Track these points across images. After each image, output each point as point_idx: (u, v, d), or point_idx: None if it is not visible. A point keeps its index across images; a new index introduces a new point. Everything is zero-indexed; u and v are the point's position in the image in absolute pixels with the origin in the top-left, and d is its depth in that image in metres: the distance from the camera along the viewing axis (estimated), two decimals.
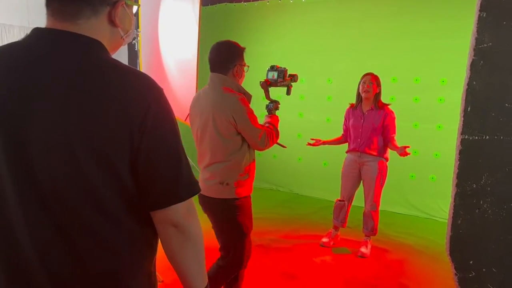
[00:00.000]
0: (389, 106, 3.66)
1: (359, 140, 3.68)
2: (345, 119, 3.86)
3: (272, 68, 2.54)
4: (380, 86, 3.64)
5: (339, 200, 3.90)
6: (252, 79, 5.93)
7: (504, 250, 1.57)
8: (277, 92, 2.75)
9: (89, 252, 0.93)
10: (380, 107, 3.63)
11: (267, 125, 2.40)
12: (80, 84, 0.88)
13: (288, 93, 2.60)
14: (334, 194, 3.98)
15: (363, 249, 3.76)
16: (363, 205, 3.81)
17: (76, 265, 0.92)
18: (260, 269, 3.34)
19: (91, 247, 0.93)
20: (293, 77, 2.58)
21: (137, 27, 4.83)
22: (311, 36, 5.45)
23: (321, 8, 5.42)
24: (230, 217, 2.28)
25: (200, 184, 2.19)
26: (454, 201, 1.54)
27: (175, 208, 0.97)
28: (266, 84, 2.52)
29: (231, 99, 2.19)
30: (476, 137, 1.49)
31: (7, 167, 0.89)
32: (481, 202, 1.53)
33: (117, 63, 0.96)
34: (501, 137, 1.48)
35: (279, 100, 2.57)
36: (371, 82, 3.59)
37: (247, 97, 2.27)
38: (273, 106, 2.52)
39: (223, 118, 2.17)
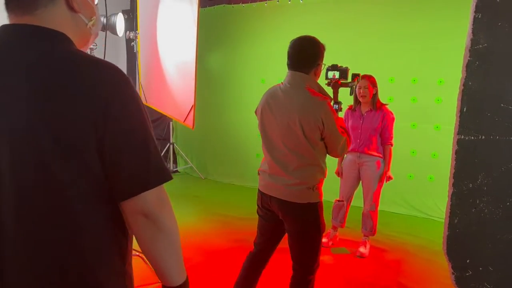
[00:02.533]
0: (387, 106, 3.68)
1: (358, 140, 3.70)
2: (344, 120, 3.88)
3: (333, 67, 2.44)
4: (376, 87, 3.65)
5: (338, 201, 3.91)
6: (251, 79, 5.96)
7: (500, 249, 1.58)
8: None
9: (54, 246, 0.91)
10: (379, 107, 3.65)
11: (341, 129, 2.27)
12: (40, 76, 0.88)
13: (351, 93, 2.54)
14: (332, 195, 3.99)
15: (361, 249, 3.77)
16: (362, 205, 3.82)
17: (39, 262, 0.91)
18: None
19: (56, 240, 0.91)
20: (358, 77, 2.49)
21: (136, 28, 4.84)
22: None
23: (319, 9, 5.44)
24: (313, 220, 2.20)
25: (281, 190, 2.16)
26: (451, 201, 1.55)
27: (144, 197, 0.94)
28: (338, 84, 2.41)
29: (321, 103, 2.08)
30: (472, 137, 1.50)
31: None
32: (478, 202, 1.54)
33: (80, 53, 0.94)
34: (497, 137, 1.49)
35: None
36: (366, 86, 3.61)
37: (330, 99, 2.16)
38: (338, 108, 2.43)
39: (311, 123, 2.07)
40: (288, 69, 2.19)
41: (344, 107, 3.85)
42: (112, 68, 0.95)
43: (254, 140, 5.74)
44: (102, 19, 2.83)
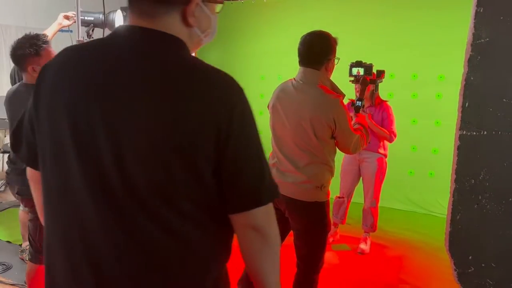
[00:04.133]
0: (387, 103, 3.67)
1: None
2: None
3: (357, 63, 2.40)
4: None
5: (339, 197, 3.90)
6: (250, 75, 5.95)
7: (503, 245, 1.57)
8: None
9: (169, 255, 0.91)
10: (378, 103, 3.64)
11: (356, 126, 2.27)
12: (167, 84, 0.86)
13: (376, 89, 2.51)
14: (333, 191, 3.97)
15: (362, 246, 3.76)
16: (362, 202, 3.82)
17: (156, 267, 0.90)
18: None
19: (171, 249, 0.90)
20: (384, 74, 2.45)
21: None
22: None
23: (318, 4, 5.42)
24: (319, 218, 2.18)
25: (289, 187, 2.13)
26: (453, 197, 1.55)
27: (256, 212, 0.94)
28: (367, 81, 2.37)
29: (334, 101, 2.05)
30: (474, 133, 1.49)
31: (78, 164, 0.88)
32: (480, 198, 1.53)
33: (199, 62, 0.93)
34: (499, 132, 1.48)
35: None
36: None
37: (342, 96, 2.13)
38: (361, 104, 2.40)
39: (323, 121, 2.04)
40: (300, 65, 2.16)
41: (345, 100, 3.86)
42: (232, 78, 0.94)
43: None
44: (100, 16, 2.82)
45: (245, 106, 0.92)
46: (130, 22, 0.94)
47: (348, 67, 2.54)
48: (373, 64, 2.40)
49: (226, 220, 0.97)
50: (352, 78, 2.47)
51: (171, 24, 0.92)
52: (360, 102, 2.39)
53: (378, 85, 2.44)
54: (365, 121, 2.36)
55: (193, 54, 1.02)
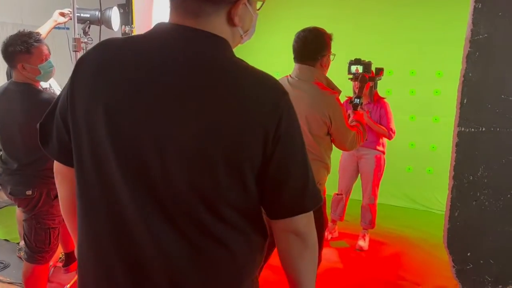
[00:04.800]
0: (385, 99, 3.67)
1: None
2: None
3: (356, 61, 2.40)
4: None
5: (337, 194, 3.90)
6: None
7: (501, 242, 1.57)
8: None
9: (208, 260, 0.89)
10: (376, 100, 3.63)
11: (353, 123, 2.26)
12: (214, 85, 0.84)
13: (375, 87, 2.50)
14: (331, 188, 3.98)
15: (361, 242, 3.77)
16: (361, 199, 3.81)
17: (197, 271, 0.89)
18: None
19: (211, 252, 0.89)
20: (383, 71, 2.45)
21: (131, 22, 4.80)
22: None
23: (317, 1, 5.40)
24: (316, 216, 2.20)
25: None
26: (451, 194, 1.54)
27: (299, 218, 0.94)
28: (366, 78, 2.36)
29: (330, 98, 2.04)
30: (473, 129, 1.49)
31: (118, 163, 0.85)
32: (478, 194, 1.53)
33: (245, 65, 0.91)
34: (498, 129, 1.48)
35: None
36: None
37: (338, 93, 2.13)
38: (359, 102, 2.40)
39: (318, 118, 2.04)
40: (295, 62, 2.15)
41: (342, 98, 3.86)
42: (278, 81, 0.92)
43: None
44: (96, 13, 2.80)
45: (291, 111, 0.89)
46: (172, 21, 0.91)
47: (347, 64, 2.53)
48: (372, 61, 2.39)
49: (263, 226, 0.97)
50: (351, 76, 2.46)
51: (217, 24, 0.90)
52: (358, 100, 2.39)
53: (377, 82, 2.43)
54: (362, 118, 2.36)
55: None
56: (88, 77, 0.90)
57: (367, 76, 2.39)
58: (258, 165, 0.86)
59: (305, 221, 0.96)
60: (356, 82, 3.57)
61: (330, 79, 2.15)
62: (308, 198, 0.94)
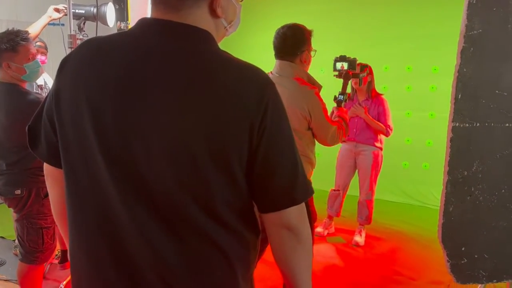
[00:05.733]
0: (382, 96, 3.67)
1: (354, 130, 3.69)
2: None
3: (341, 58, 2.43)
4: (371, 74, 3.64)
5: (334, 190, 3.91)
6: None
7: (495, 236, 1.58)
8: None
9: (200, 255, 0.88)
10: (374, 96, 3.64)
11: (336, 119, 2.28)
12: (196, 80, 0.82)
13: (360, 83, 2.52)
14: (328, 184, 3.99)
15: (357, 238, 3.78)
16: (357, 194, 3.82)
17: (190, 270, 0.88)
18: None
19: (202, 250, 0.88)
20: (367, 68, 2.47)
21: (127, 18, 4.77)
22: None
23: None
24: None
25: None
26: (446, 189, 1.55)
27: (289, 211, 0.91)
28: (350, 75, 2.39)
29: (309, 93, 2.05)
30: (467, 125, 1.49)
31: (106, 161, 0.85)
32: (473, 189, 1.54)
33: (229, 57, 0.89)
34: (492, 124, 1.48)
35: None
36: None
37: (318, 88, 2.14)
38: (343, 98, 2.42)
39: (298, 113, 2.04)
40: (275, 59, 2.17)
41: (333, 96, 3.86)
42: (264, 73, 0.91)
43: None
44: (92, 9, 2.78)
45: (278, 102, 0.88)
46: (154, 15, 0.90)
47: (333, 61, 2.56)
48: (357, 58, 2.43)
49: (255, 223, 0.96)
50: (336, 73, 2.49)
51: (199, 16, 0.89)
52: (342, 96, 2.41)
53: (361, 78, 2.45)
54: (346, 115, 2.37)
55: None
56: (71, 77, 0.89)
57: (350, 73, 2.41)
58: (246, 158, 0.85)
59: (297, 214, 0.93)
60: (352, 79, 3.61)
61: (311, 74, 2.18)
62: (298, 190, 0.92)
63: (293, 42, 2.11)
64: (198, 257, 0.88)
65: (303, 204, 0.94)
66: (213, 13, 0.91)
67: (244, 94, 0.84)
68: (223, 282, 0.92)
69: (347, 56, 2.44)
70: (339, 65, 2.42)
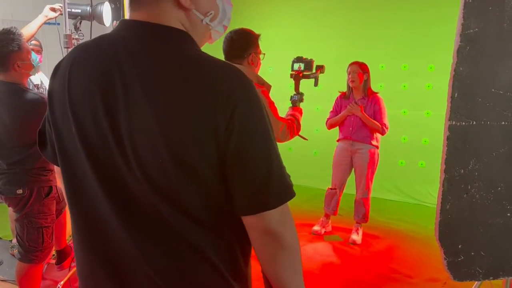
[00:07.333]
0: (378, 94, 3.69)
1: (351, 128, 3.70)
2: (336, 106, 3.87)
3: (298, 59, 2.48)
4: (367, 73, 3.65)
5: (331, 189, 3.92)
6: None
7: (492, 234, 1.58)
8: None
9: (184, 258, 0.87)
10: (370, 95, 3.65)
11: (289, 117, 2.33)
12: (162, 80, 0.80)
13: (316, 84, 2.54)
14: (325, 183, 4.00)
15: (354, 236, 3.79)
16: (354, 193, 3.84)
17: (177, 276, 0.87)
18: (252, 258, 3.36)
19: (185, 253, 0.86)
20: (322, 69, 2.52)
21: (123, 17, 4.75)
22: (298, 25, 5.41)
23: None
24: None
25: None
26: (443, 187, 1.55)
27: (268, 214, 0.86)
28: (299, 76, 2.44)
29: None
30: (464, 123, 1.50)
31: (92, 165, 0.86)
32: (469, 187, 1.54)
33: (198, 55, 0.85)
34: (488, 122, 1.49)
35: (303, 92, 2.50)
36: (356, 72, 3.61)
37: (267, 87, 2.18)
38: (298, 98, 2.46)
39: None
40: None
41: (328, 95, 3.86)
42: (238, 71, 0.86)
43: None
44: (88, 8, 2.77)
45: (249, 101, 0.84)
46: (129, 16, 0.90)
47: (293, 62, 2.61)
48: (313, 59, 2.49)
49: (240, 226, 0.91)
50: (293, 73, 2.54)
51: (164, 10, 0.86)
52: (296, 97, 2.48)
53: (317, 78, 2.48)
54: (298, 114, 2.42)
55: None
56: (60, 83, 0.91)
57: (300, 74, 2.46)
58: (215, 161, 0.82)
59: (277, 218, 0.87)
60: (349, 77, 3.63)
61: (260, 76, 2.24)
62: (272, 194, 0.86)
63: (240, 46, 2.20)
64: (184, 263, 0.87)
65: (286, 207, 0.89)
66: (179, 4, 0.87)
67: (210, 95, 0.80)
68: (212, 283, 0.90)
69: (304, 57, 2.50)
70: (296, 65, 2.48)
